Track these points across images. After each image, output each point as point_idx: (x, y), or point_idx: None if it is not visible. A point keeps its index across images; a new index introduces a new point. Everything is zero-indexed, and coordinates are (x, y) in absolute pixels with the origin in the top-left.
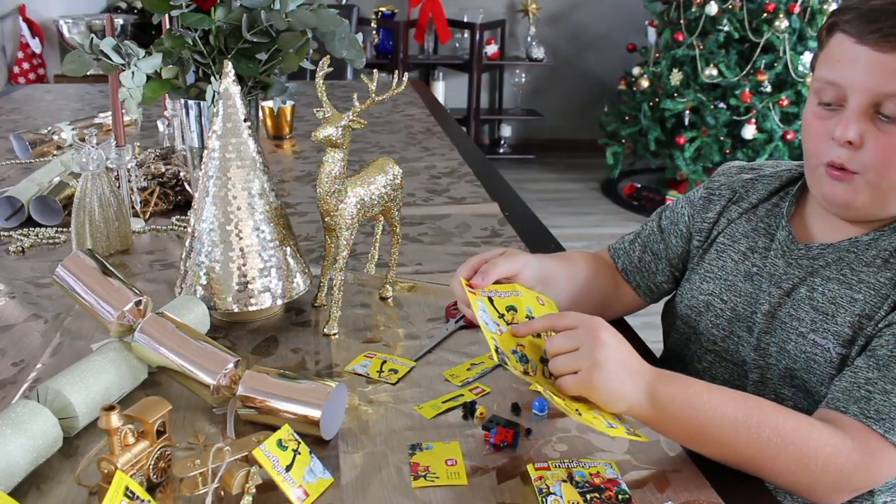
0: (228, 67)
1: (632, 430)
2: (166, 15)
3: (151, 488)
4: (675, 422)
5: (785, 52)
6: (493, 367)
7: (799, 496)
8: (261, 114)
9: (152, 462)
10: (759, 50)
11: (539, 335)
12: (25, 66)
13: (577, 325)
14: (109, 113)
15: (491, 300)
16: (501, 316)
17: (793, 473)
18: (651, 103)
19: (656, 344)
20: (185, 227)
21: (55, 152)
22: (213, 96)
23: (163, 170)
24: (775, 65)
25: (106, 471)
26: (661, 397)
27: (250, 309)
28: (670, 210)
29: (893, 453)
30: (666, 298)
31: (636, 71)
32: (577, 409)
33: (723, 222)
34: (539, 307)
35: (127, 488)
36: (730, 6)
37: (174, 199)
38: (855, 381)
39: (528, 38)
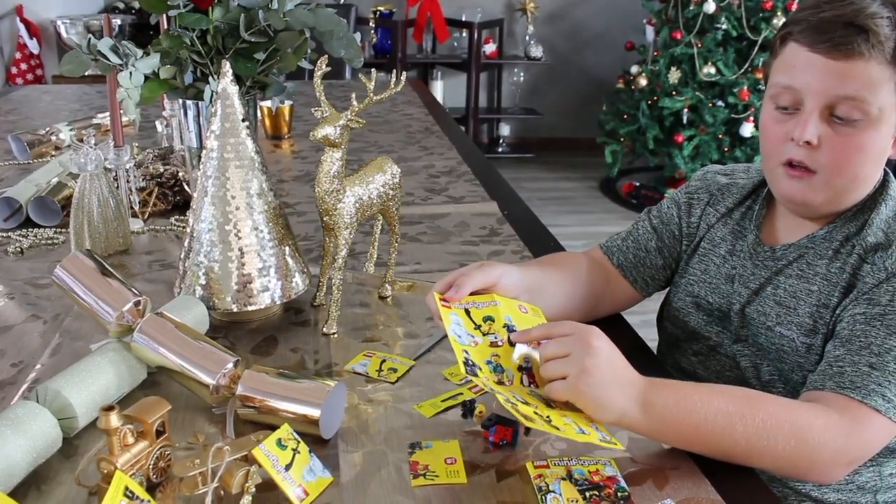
0: (226, 67)
1: (606, 438)
2: (164, 15)
3: (151, 488)
4: (671, 427)
5: None
6: None
7: (803, 479)
8: (259, 114)
9: (152, 462)
10: (757, 48)
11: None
12: (23, 66)
13: (572, 332)
14: (107, 113)
15: (468, 312)
16: (478, 327)
17: (792, 454)
18: (649, 101)
19: (655, 343)
20: (183, 228)
21: (53, 153)
22: (211, 96)
23: (161, 170)
24: None
25: (105, 471)
26: (655, 405)
27: (249, 309)
28: (658, 210)
29: (876, 417)
30: (661, 300)
31: (634, 69)
32: (547, 416)
33: (703, 227)
34: (521, 315)
35: (126, 488)
36: (728, 4)
37: (173, 199)
38: (827, 362)
39: (527, 37)
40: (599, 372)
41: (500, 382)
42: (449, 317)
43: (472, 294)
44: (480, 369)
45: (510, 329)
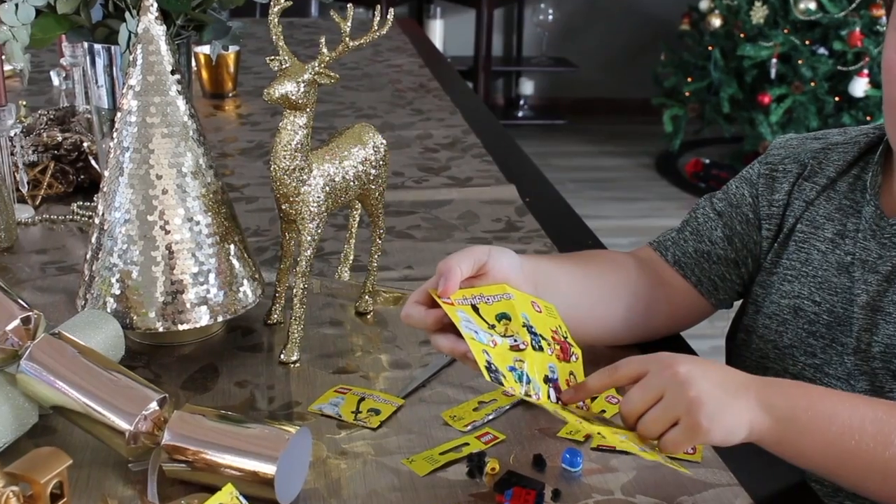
0: (150, 0)
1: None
2: None
3: None
4: (807, 432)
5: None
6: (510, 407)
7: None
8: (194, 64)
9: None
10: None
11: (541, 348)
12: None
13: (643, 369)
14: None
15: (476, 308)
16: (492, 327)
17: None
18: (725, 49)
19: None
20: (90, 218)
21: None
22: (129, 39)
23: (59, 139)
24: None
25: None
26: (778, 405)
27: (180, 328)
28: (724, 192)
29: None
30: (735, 313)
31: (704, 5)
32: (599, 433)
33: (798, 206)
34: (535, 315)
35: None
36: None
37: (75, 178)
38: None
39: None
40: (710, 395)
41: (527, 395)
42: (456, 314)
43: (475, 286)
44: (505, 377)
45: (531, 330)
